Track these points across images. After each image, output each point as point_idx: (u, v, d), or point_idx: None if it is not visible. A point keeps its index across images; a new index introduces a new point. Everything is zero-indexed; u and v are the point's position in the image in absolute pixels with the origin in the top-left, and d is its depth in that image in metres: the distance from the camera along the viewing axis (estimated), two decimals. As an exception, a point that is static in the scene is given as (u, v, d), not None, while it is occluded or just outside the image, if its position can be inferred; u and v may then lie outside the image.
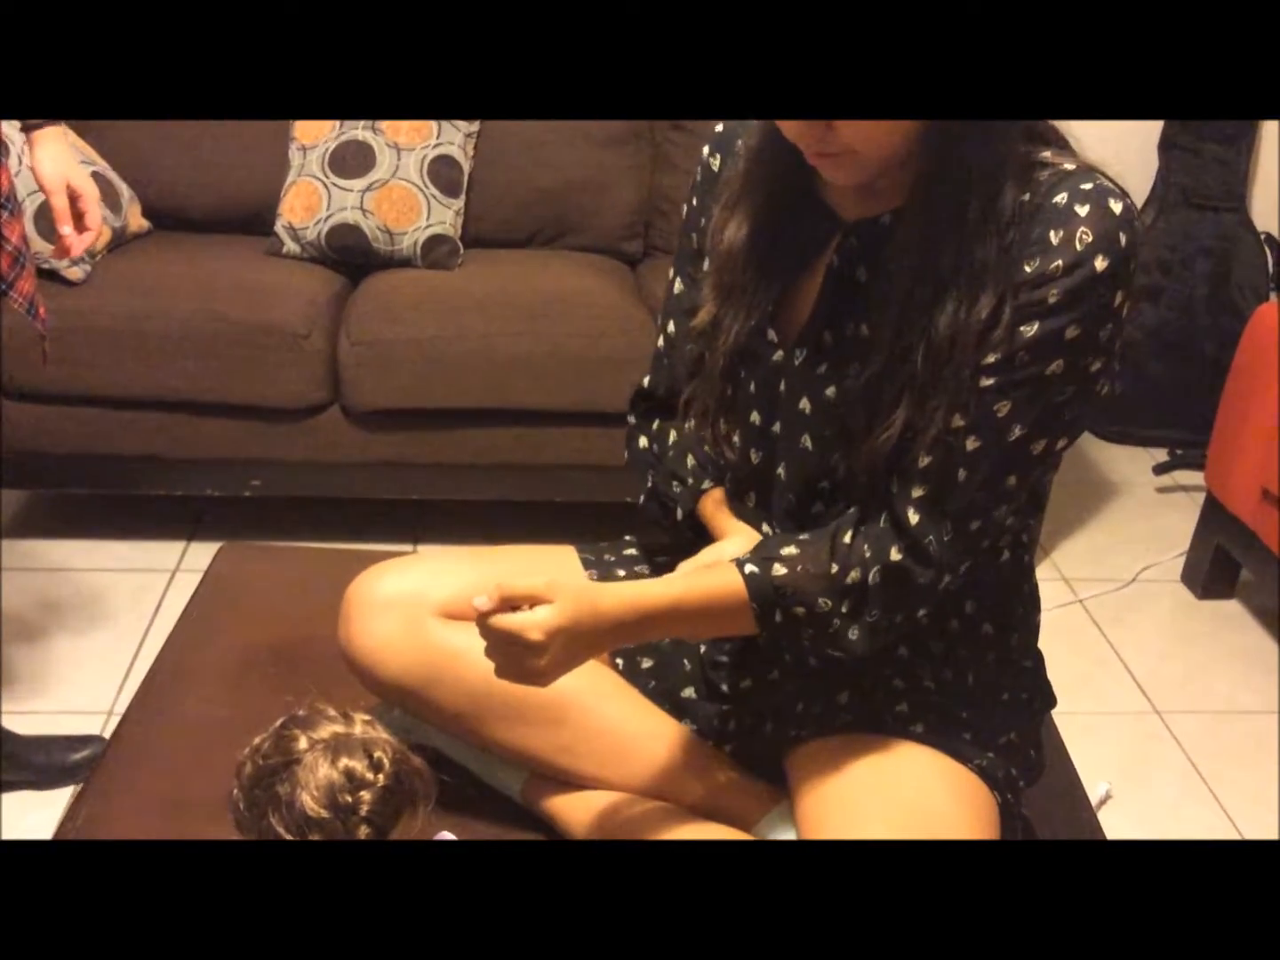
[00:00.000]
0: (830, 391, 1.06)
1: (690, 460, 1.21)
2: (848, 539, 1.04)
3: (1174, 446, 3.00)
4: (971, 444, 1.00)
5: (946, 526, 1.02)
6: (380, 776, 0.85)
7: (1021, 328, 0.96)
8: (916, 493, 1.02)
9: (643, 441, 1.27)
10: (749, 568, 1.04)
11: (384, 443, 2.33)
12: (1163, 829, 1.91)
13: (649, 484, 1.25)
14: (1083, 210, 0.95)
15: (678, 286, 1.22)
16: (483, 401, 2.30)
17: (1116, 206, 0.95)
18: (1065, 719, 1.32)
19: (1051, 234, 0.95)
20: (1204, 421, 2.52)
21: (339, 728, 0.87)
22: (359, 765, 0.84)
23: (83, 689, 2.02)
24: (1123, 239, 0.95)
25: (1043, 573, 2.54)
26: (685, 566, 1.13)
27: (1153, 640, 2.40)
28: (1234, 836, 1.91)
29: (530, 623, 0.96)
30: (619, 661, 1.25)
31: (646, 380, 1.27)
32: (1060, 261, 0.95)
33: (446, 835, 1.14)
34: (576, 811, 1.19)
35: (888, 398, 1.00)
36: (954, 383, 0.98)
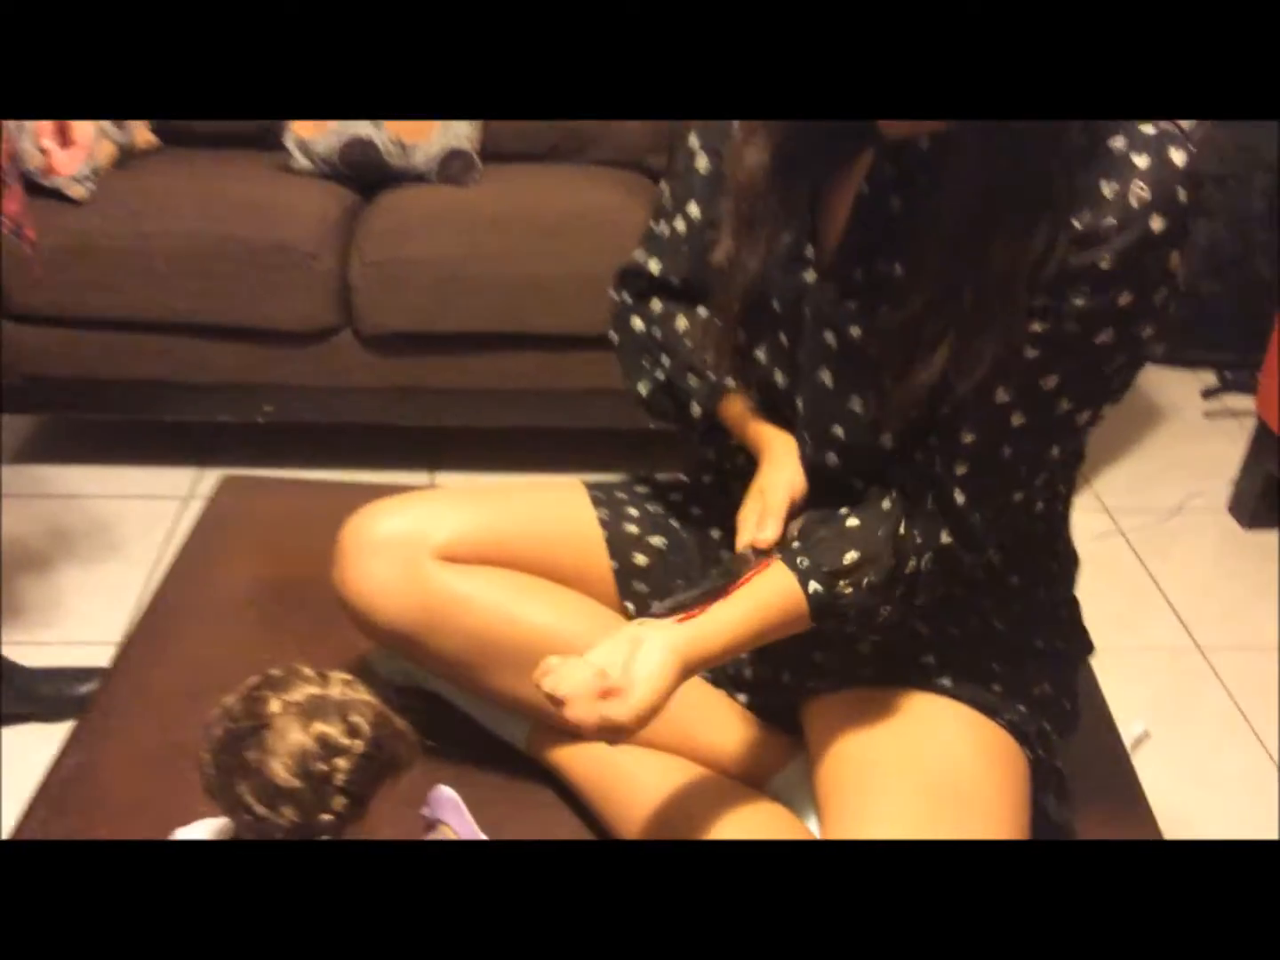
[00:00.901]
0: (855, 331, 0.97)
1: (710, 353, 1.10)
2: (903, 530, 0.98)
3: (1224, 369, 2.88)
4: (1017, 420, 0.93)
5: (990, 502, 0.96)
6: (357, 742, 0.79)
7: (1070, 295, 0.88)
8: (960, 470, 0.96)
9: (637, 323, 1.16)
10: (813, 586, 0.97)
11: (398, 367, 2.26)
12: (1202, 770, 1.85)
13: (658, 375, 1.14)
14: (1141, 161, 0.85)
15: (704, 164, 1.11)
16: (500, 325, 2.22)
17: (1178, 157, 0.86)
18: (1102, 655, 1.25)
19: (1104, 185, 0.86)
20: (1256, 344, 2.41)
21: (314, 689, 0.80)
22: (334, 730, 0.78)
23: (92, 619, 1.99)
24: (1181, 195, 0.86)
25: (1083, 502, 2.46)
26: (762, 501, 1.03)
27: (1196, 573, 2.32)
28: (1275, 778, 1.85)
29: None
30: (630, 606, 1.19)
31: (652, 264, 1.15)
32: (1113, 220, 0.86)
33: (445, 789, 1.09)
34: (583, 763, 1.14)
35: (928, 336, 0.92)
36: (1003, 321, 0.89)
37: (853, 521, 0.99)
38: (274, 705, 0.79)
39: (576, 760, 1.14)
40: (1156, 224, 0.86)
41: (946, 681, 1.06)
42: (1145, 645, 2.11)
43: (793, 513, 1.03)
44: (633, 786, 1.10)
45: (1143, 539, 2.38)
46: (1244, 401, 2.76)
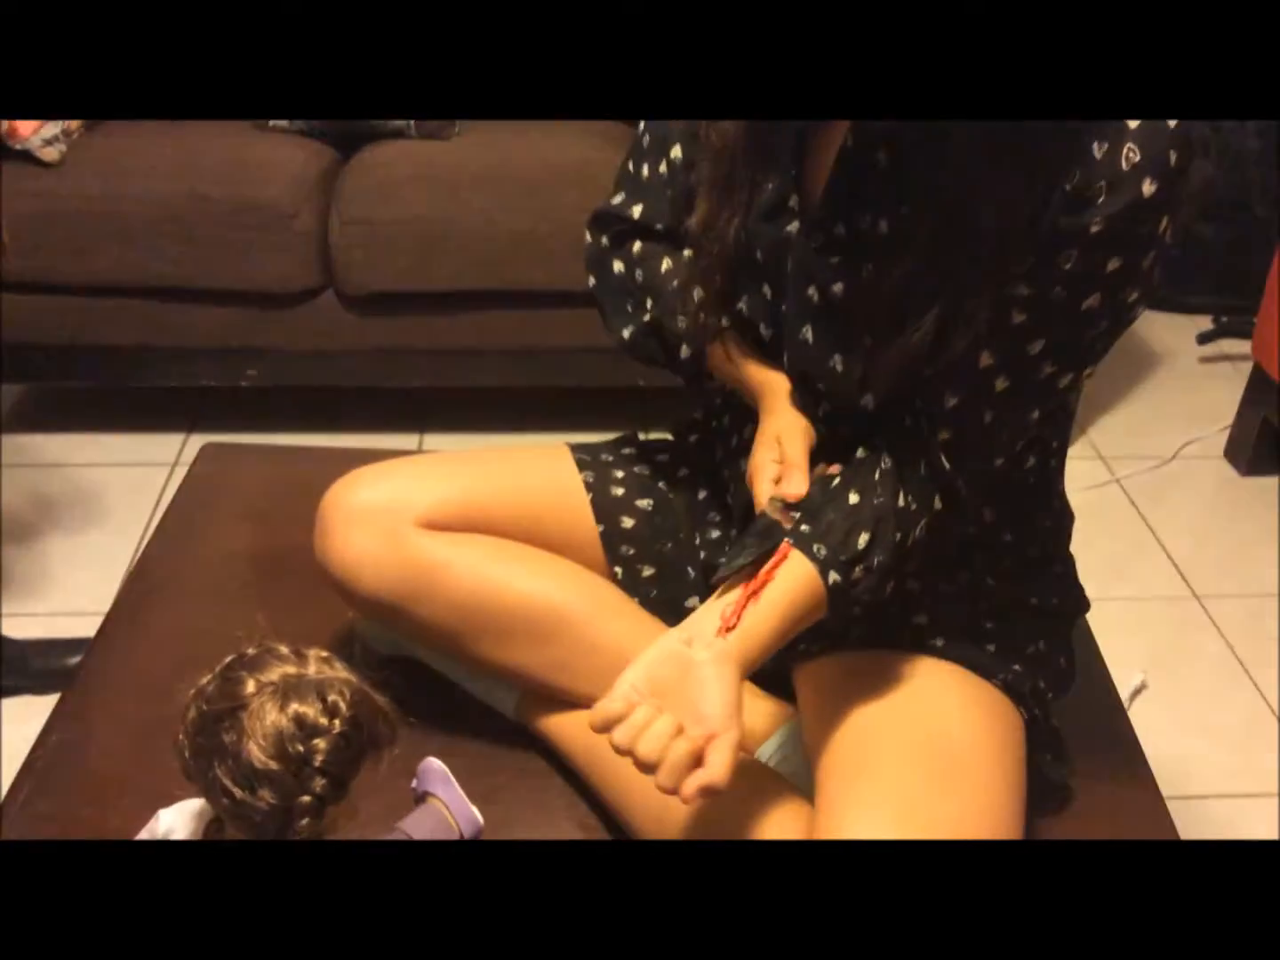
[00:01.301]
0: (838, 288, 0.95)
1: (698, 292, 1.06)
2: (901, 502, 0.96)
3: (1220, 313, 2.84)
4: (1000, 384, 0.91)
5: (974, 467, 0.95)
6: (336, 722, 0.77)
7: (1059, 260, 0.86)
8: (944, 434, 0.94)
9: (617, 266, 1.13)
10: (833, 577, 0.94)
11: (382, 328, 2.22)
12: (1200, 719, 1.84)
13: (642, 317, 1.11)
14: (1133, 121, 0.83)
15: None
16: (484, 283, 2.18)
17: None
18: (1099, 606, 1.24)
19: (1095, 145, 0.83)
20: (1253, 287, 2.37)
21: (290, 669, 0.78)
22: (311, 710, 0.76)
23: (81, 589, 1.97)
24: (1173, 158, 0.83)
25: (1078, 450, 2.43)
26: (773, 448, 1.01)
27: (1193, 520, 2.30)
28: (1274, 725, 1.84)
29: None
30: (618, 570, 1.17)
31: (635, 209, 1.11)
32: (1103, 182, 0.83)
33: (433, 762, 1.07)
34: (572, 729, 1.12)
35: (918, 298, 0.89)
36: (995, 283, 0.87)
37: (854, 498, 0.96)
38: (249, 686, 0.77)
39: (566, 727, 1.13)
40: (1147, 187, 0.83)
41: (939, 642, 1.04)
42: (1142, 594, 2.09)
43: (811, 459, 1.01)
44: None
45: (1139, 486, 2.36)
46: (1240, 346, 2.73)
